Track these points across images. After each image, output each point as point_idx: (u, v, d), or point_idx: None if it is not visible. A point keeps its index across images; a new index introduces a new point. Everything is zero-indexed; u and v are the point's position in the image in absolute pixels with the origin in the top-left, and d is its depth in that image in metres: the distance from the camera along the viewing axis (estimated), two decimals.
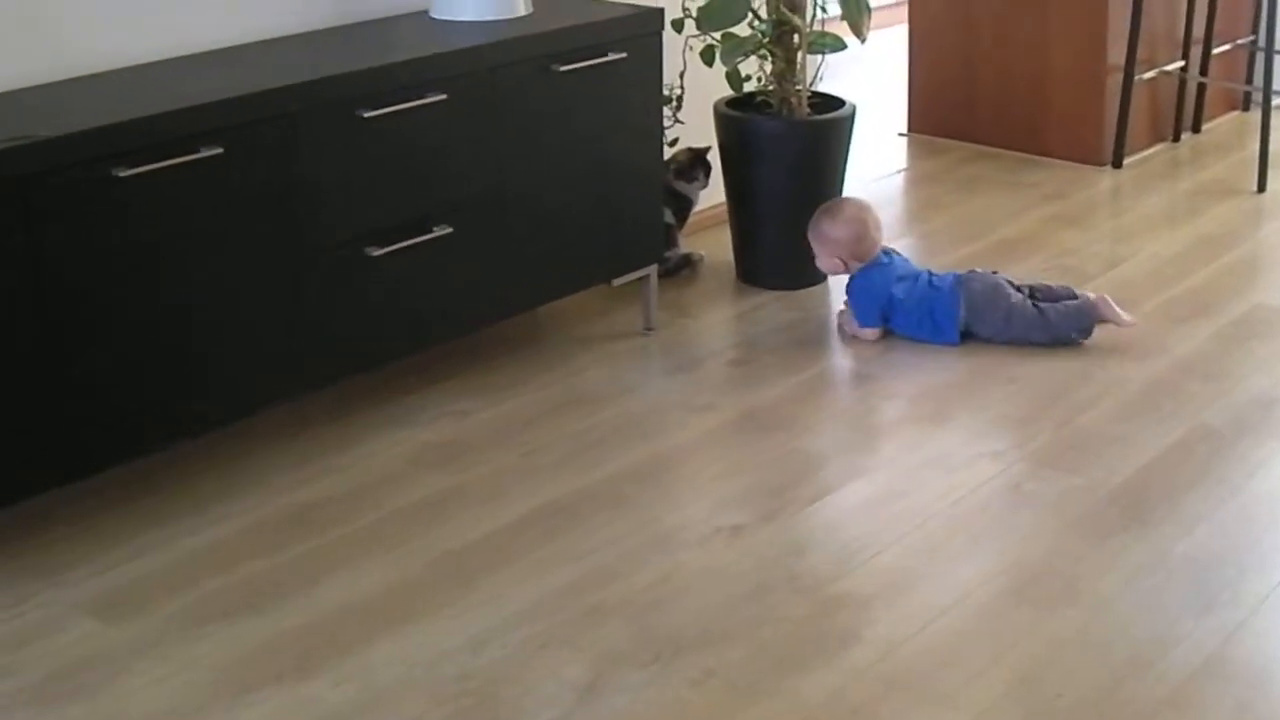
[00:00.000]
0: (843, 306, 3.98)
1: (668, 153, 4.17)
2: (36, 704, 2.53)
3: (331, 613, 2.77)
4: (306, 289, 3.18)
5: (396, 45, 3.46)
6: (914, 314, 3.84)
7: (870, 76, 6.04)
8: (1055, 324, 3.78)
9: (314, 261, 3.18)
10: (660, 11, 3.76)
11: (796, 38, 4.12)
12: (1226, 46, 5.63)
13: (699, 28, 4.05)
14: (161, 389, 2.99)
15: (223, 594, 2.83)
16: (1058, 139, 5.33)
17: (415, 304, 3.40)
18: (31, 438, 2.83)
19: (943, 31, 5.54)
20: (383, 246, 3.27)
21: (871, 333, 3.87)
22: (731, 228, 4.31)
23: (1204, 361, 3.73)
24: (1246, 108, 5.86)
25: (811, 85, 4.23)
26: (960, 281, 3.83)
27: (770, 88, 4.20)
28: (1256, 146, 5.02)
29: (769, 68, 4.18)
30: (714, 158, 4.27)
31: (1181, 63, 5.50)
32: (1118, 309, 3.79)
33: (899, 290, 3.84)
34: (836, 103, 4.24)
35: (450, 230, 3.38)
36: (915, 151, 5.55)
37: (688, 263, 4.32)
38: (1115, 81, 5.22)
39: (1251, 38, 5.71)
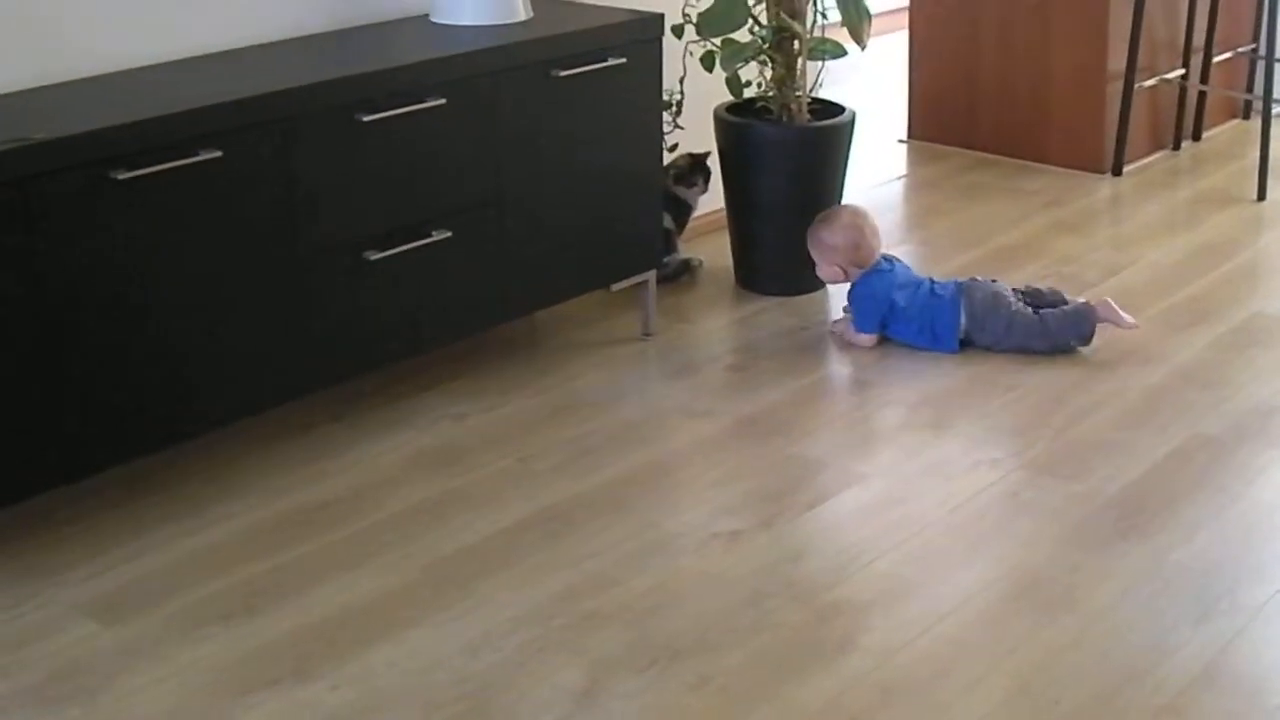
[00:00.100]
0: (841, 314, 3.98)
1: (667, 158, 4.17)
2: (35, 705, 2.53)
3: (329, 616, 2.77)
4: (305, 292, 3.18)
5: (396, 49, 3.46)
6: (914, 322, 3.84)
7: (870, 83, 6.04)
8: (1055, 332, 3.78)
9: (312, 265, 3.18)
10: (660, 17, 3.76)
11: (797, 44, 4.12)
12: (1227, 54, 5.64)
13: (699, 33, 4.05)
14: (160, 391, 2.99)
15: (221, 596, 2.83)
16: (1058, 146, 5.33)
17: (413, 308, 3.40)
18: (31, 439, 2.83)
19: (943, 38, 5.55)
20: (381, 250, 3.27)
21: (868, 339, 3.87)
22: (731, 233, 4.31)
23: (1203, 369, 3.72)
24: (1247, 116, 5.86)
25: (811, 91, 4.23)
26: (962, 290, 3.83)
27: (770, 93, 4.20)
28: (1257, 155, 5.02)
29: (769, 73, 4.18)
30: (713, 163, 4.27)
31: (1182, 70, 5.50)
32: (1120, 310, 3.79)
33: (900, 298, 3.84)
34: (836, 109, 4.24)
35: (449, 235, 3.38)
36: (915, 158, 5.56)
37: (687, 268, 4.32)
38: (1115, 89, 5.22)
39: (1252, 46, 5.72)
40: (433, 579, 2.88)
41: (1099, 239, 4.69)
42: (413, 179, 3.32)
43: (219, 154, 2.94)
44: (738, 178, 4.21)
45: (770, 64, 4.16)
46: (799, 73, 4.15)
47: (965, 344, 3.82)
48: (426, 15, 3.67)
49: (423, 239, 3.34)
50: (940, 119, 5.61)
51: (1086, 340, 3.79)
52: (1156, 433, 3.41)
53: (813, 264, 4.00)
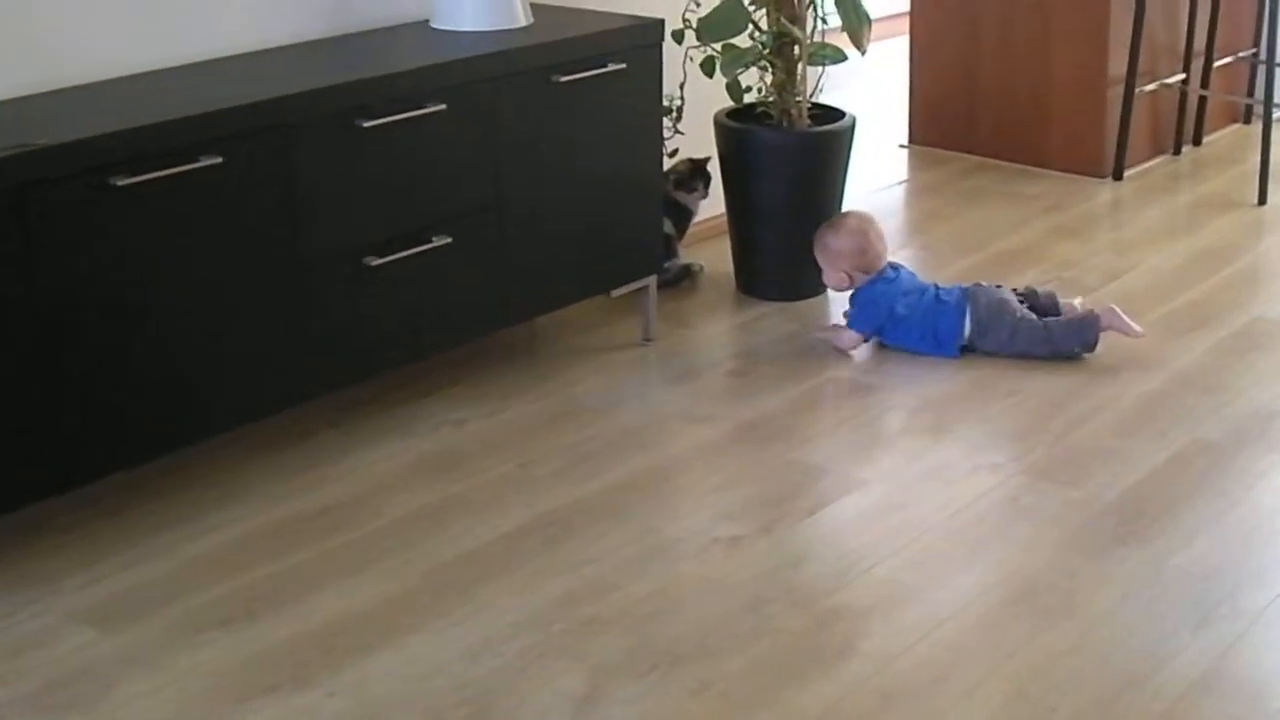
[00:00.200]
0: (840, 321, 3.98)
1: (667, 163, 4.17)
2: (33, 713, 2.53)
3: (329, 622, 2.77)
4: (305, 298, 3.18)
5: (396, 55, 3.46)
6: (916, 328, 3.84)
7: (871, 88, 6.04)
8: (1058, 339, 3.77)
9: (312, 271, 3.18)
10: (660, 23, 3.76)
11: (797, 49, 4.12)
12: (1228, 59, 5.63)
13: (699, 39, 4.05)
14: (159, 397, 2.99)
15: (220, 603, 2.83)
16: (1058, 151, 5.33)
17: (414, 314, 3.40)
18: (29, 445, 2.83)
19: (944, 43, 5.55)
20: (381, 256, 3.27)
21: (853, 338, 3.86)
22: (731, 239, 4.31)
23: (1203, 374, 3.72)
24: (1247, 120, 5.86)
25: (812, 96, 4.23)
26: (968, 295, 3.82)
27: (770, 99, 4.20)
28: (1257, 159, 5.02)
29: (769, 79, 4.18)
30: (714, 168, 4.27)
31: (1182, 75, 5.50)
32: (1126, 319, 3.79)
33: (902, 305, 3.84)
34: (837, 114, 4.24)
35: (449, 240, 3.38)
36: (916, 163, 5.55)
37: (687, 273, 4.32)
38: (1116, 93, 5.22)
39: (1253, 50, 5.72)
40: (433, 585, 2.88)
41: (1099, 244, 4.69)
42: (413, 185, 3.32)
43: (219, 160, 2.94)
44: (738, 183, 4.21)
45: (770, 69, 4.16)
46: (799, 78, 4.15)
47: (968, 350, 3.82)
48: (426, 21, 3.68)
49: (423, 245, 3.34)
50: (941, 124, 5.61)
51: (1090, 348, 3.78)
52: (1156, 438, 3.41)
53: (819, 271, 4.00)
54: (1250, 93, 5.77)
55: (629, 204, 3.78)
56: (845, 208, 4.21)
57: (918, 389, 3.69)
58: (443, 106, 3.29)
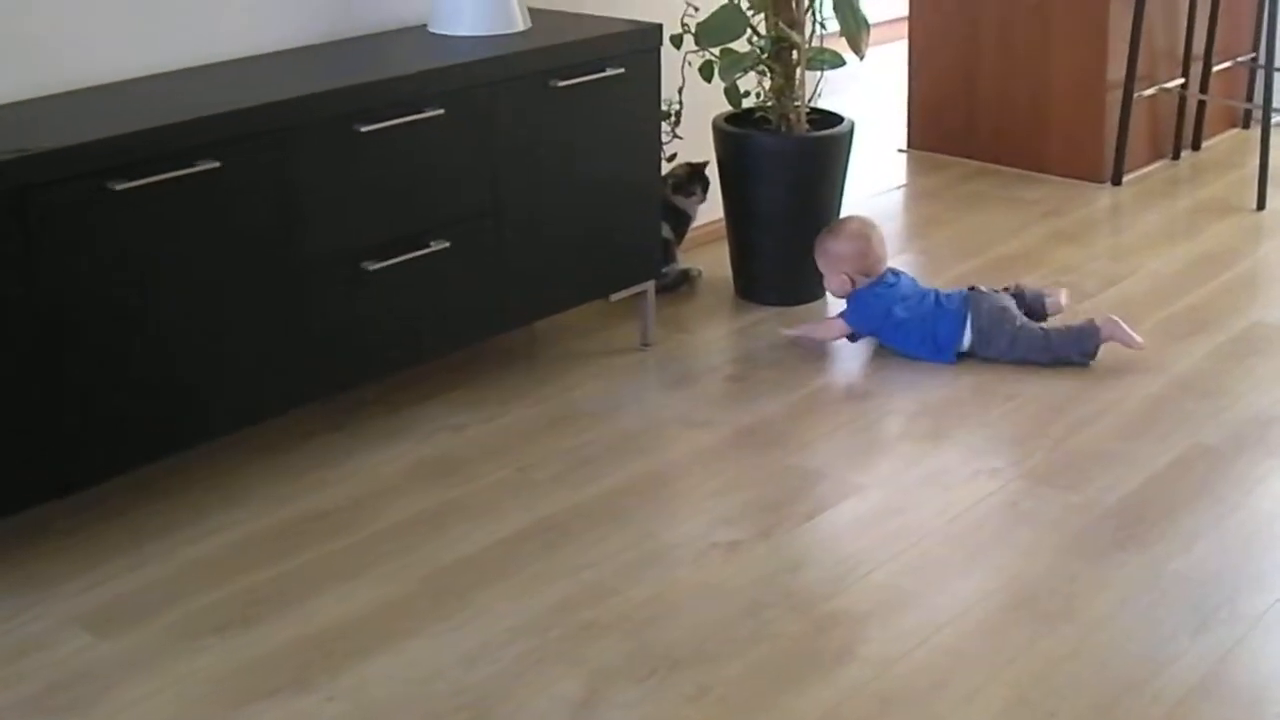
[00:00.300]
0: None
1: (666, 168, 4.17)
2: (32, 716, 2.53)
3: (328, 626, 2.77)
4: (303, 302, 3.18)
5: (394, 60, 3.46)
6: (915, 333, 3.83)
7: (869, 92, 6.05)
8: (1057, 347, 3.77)
9: (311, 275, 3.18)
10: (659, 27, 3.76)
11: (795, 54, 4.12)
12: (1227, 64, 5.64)
13: (698, 43, 4.05)
14: (160, 401, 2.99)
15: (220, 606, 2.83)
16: (1057, 156, 5.33)
17: (412, 318, 3.40)
18: (30, 448, 2.83)
19: (942, 48, 5.55)
20: (379, 261, 3.27)
21: (840, 326, 3.87)
22: (730, 243, 4.31)
23: (1202, 379, 3.72)
24: (1246, 125, 5.86)
25: (810, 101, 4.23)
26: (968, 301, 3.82)
27: (769, 103, 4.20)
28: (1256, 164, 5.02)
29: (768, 83, 4.18)
30: (712, 173, 4.27)
31: (1181, 80, 5.50)
32: (1128, 330, 3.78)
33: (901, 309, 3.84)
34: (835, 119, 4.24)
35: (447, 245, 3.38)
36: (915, 168, 5.56)
37: (686, 278, 4.32)
38: (1115, 98, 5.22)
39: (1252, 55, 5.72)
40: (431, 589, 2.88)
41: (1098, 248, 4.69)
42: (411, 189, 3.32)
43: (217, 164, 2.94)
44: (736, 188, 4.21)
45: (769, 74, 4.16)
46: (798, 83, 4.15)
47: (967, 356, 3.81)
48: (424, 25, 3.68)
49: (421, 249, 3.34)
50: (939, 128, 5.61)
51: (1090, 357, 3.78)
52: (1155, 442, 3.41)
53: (820, 277, 4.00)
54: (1249, 97, 5.77)
55: (627, 209, 3.79)
56: (844, 212, 4.22)
57: (916, 394, 3.69)
58: (441, 111, 3.29)
